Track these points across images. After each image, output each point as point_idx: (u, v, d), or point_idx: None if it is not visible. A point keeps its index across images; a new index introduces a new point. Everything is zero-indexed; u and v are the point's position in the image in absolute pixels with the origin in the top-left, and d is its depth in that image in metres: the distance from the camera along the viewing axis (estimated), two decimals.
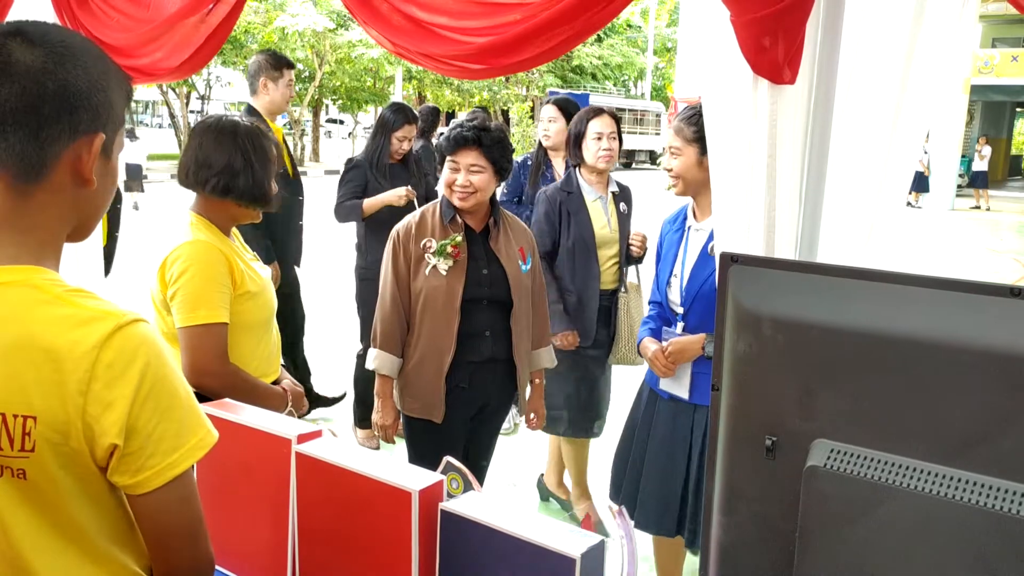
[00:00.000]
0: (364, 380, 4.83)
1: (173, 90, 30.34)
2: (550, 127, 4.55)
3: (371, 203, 4.65)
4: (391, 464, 1.45)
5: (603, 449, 3.73)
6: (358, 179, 4.70)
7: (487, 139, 2.80)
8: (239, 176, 2.32)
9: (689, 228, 2.89)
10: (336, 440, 1.60)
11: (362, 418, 4.96)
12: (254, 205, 2.38)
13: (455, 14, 2.10)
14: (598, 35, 29.90)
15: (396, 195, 4.63)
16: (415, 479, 1.39)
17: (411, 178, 4.88)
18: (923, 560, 1.01)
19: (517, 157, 4.81)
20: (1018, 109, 31.10)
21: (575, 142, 3.78)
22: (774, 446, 1.11)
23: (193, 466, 1.21)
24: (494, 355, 2.94)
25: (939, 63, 1.71)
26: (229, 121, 2.38)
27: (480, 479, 3.05)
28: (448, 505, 1.38)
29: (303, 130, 31.14)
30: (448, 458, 1.54)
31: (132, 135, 18.94)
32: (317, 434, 1.59)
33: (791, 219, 1.75)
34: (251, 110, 4.58)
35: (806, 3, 1.56)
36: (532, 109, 28.89)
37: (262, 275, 2.47)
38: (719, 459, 1.18)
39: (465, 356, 2.87)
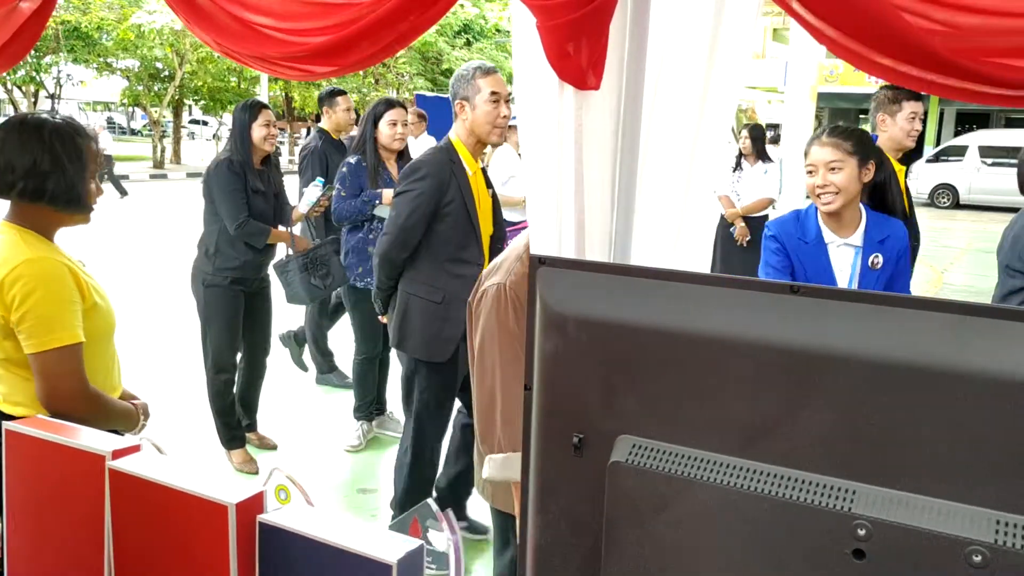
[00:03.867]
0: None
1: (19, 88, 28.55)
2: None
3: (277, 235, 4.60)
4: (211, 478, 1.40)
5: None
6: (239, 185, 4.47)
7: None
8: (48, 178, 2.11)
9: (829, 244, 2.94)
10: (156, 454, 1.54)
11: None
12: (69, 209, 2.19)
13: (282, 15, 2.04)
14: (467, 39, 29.96)
15: (285, 238, 4.68)
16: (233, 492, 1.35)
17: (274, 177, 4.74)
18: (717, 549, 1.05)
19: (349, 159, 4.78)
20: (861, 116, 33.03)
21: None
22: (581, 443, 1.13)
23: None
24: None
25: (736, 66, 1.80)
26: (35, 118, 2.16)
27: None
28: (266, 517, 1.34)
29: (163, 131, 29.91)
30: (276, 468, 1.50)
31: None
32: (135, 449, 1.52)
33: (603, 222, 1.79)
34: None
35: (607, 8, 1.60)
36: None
37: (100, 284, 2.32)
38: (532, 459, 1.19)
39: None
